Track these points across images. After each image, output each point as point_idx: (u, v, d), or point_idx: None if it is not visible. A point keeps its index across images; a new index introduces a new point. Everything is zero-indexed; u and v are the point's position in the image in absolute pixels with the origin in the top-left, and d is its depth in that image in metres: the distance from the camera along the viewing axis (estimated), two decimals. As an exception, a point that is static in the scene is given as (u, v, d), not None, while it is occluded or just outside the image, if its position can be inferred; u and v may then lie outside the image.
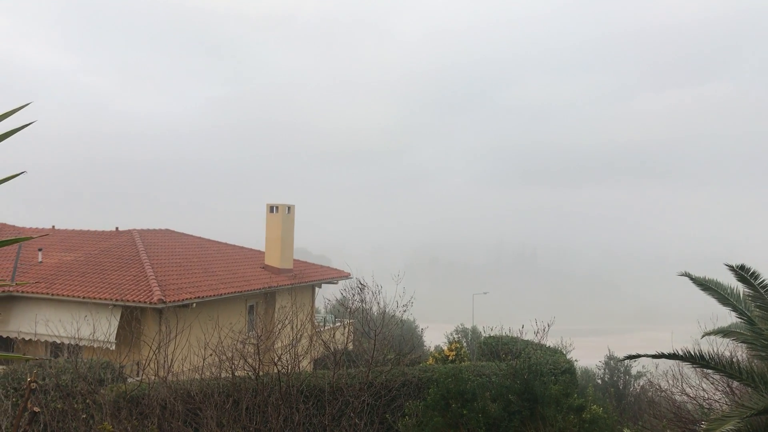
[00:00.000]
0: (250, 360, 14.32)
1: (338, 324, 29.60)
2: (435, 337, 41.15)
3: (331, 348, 16.81)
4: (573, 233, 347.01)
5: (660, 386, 20.03)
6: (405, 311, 16.34)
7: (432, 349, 35.00)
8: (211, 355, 14.70)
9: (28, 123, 1.73)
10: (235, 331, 16.21)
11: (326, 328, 25.92)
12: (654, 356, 10.78)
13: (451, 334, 40.73)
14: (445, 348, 25.87)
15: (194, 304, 22.99)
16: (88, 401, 13.89)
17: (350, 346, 21.28)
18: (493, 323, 24.52)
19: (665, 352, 10.77)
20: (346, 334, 17.03)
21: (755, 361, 12.39)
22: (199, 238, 33.49)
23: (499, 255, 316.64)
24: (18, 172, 1.78)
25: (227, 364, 14.29)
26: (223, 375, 14.57)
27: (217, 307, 24.15)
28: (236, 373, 14.26)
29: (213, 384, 14.13)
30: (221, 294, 24.74)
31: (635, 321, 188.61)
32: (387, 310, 16.86)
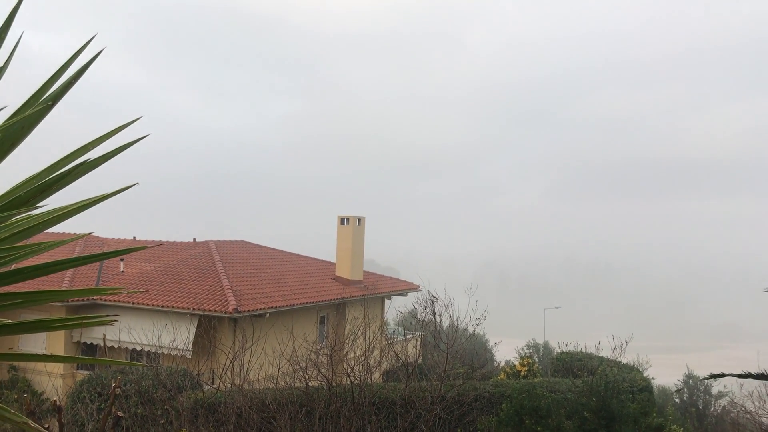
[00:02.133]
0: (323, 370, 14.45)
1: (410, 336, 29.58)
2: (506, 352, 40.58)
3: (402, 360, 16.80)
4: (649, 247, 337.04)
5: (744, 407, 19.17)
6: (478, 325, 16.20)
7: (503, 364, 34.53)
8: (285, 364, 14.91)
9: (143, 136, 1.81)
10: (309, 342, 16.41)
11: (398, 340, 25.92)
12: (740, 376, 10.33)
13: (522, 349, 40.07)
14: (517, 363, 25.45)
15: (268, 314, 23.40)
16: (166, 407, 14.30)
17: (420, 359, 21.23)
18: (565, 338, 24.05)
19: (751, 371, 10.31)
20: (418, 347, 16.94)
21: None
22: (273, 249, 34.12)
23: (571, 269, 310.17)
24: (131, 184, 1.87)
25: (301, 374, 14.46)
26: (296, 385, 14.74)
27: (291, 318, 24.51)
28: (310, 383, 14.40)
29: (287, 393, 14.32)
30: (294, 304, 25.09)
31: (715, 339, 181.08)
32: (459, 324, 16.73)
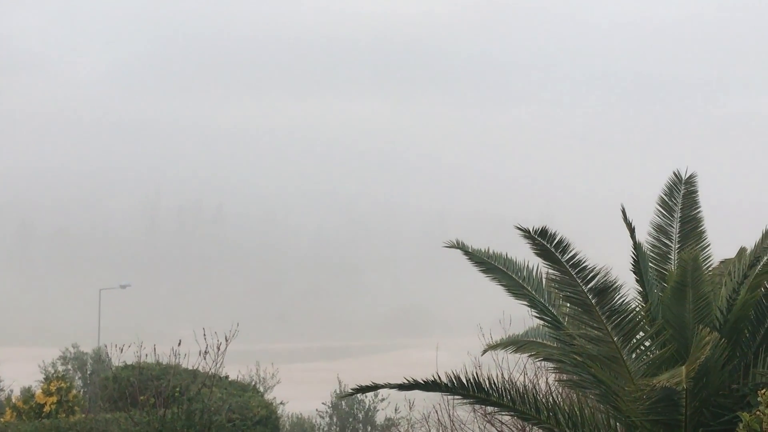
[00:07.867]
0: None
1: None
2: (21, 371, 40.31)
3: None
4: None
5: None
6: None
7: (15, 392, 34.17)
8: None
9: None
10: None
11: None
12: (402, 387, 11.13)
13: (52, 365, 39.96)
14: (39, 390, 25.43)
15: None
16: None
17: None
18: (132, 338, 24.38)
19: (421, 378, 11.17)
20: None
21: (564, 389, 13.60)
22: None
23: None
24: None
25: None
26: None
27: None
28: None
29: None
30: None
31: (389, 331, 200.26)
32: None
